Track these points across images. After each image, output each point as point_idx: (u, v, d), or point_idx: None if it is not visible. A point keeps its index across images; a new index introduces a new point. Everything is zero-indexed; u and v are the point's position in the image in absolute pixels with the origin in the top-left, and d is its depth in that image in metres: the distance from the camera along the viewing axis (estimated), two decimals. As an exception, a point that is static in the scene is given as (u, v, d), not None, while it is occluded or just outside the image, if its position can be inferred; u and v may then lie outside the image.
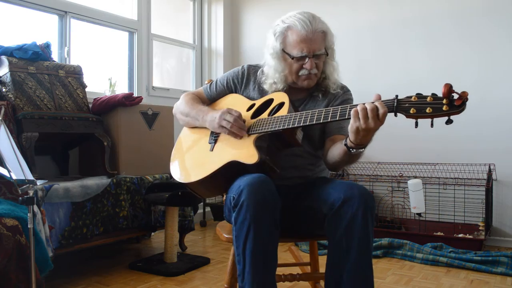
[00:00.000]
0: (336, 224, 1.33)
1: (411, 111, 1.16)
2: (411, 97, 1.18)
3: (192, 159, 1.62)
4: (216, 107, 1.72)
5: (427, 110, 1.14)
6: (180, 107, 1.74)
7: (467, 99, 1.10)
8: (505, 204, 3.08)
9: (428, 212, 3.13)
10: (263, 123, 1.43)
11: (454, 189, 3.08)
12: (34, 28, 2.89)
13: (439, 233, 3.00)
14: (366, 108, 1.21)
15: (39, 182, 1.65)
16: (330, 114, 1.29)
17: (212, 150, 1.54)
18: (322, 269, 1.88)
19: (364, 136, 1.25)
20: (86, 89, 2.70)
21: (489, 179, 2.96)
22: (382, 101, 1.21)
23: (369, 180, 3.36)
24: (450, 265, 2.55)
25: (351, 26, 3.61)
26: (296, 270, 2.27)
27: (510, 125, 3.03)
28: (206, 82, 1.84)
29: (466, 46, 3.18)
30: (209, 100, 1.77)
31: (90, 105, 2.70)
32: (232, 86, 1.72)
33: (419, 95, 1.17)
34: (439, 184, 3.14)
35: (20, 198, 1.40)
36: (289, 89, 1.62)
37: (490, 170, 3.01)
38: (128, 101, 2.65)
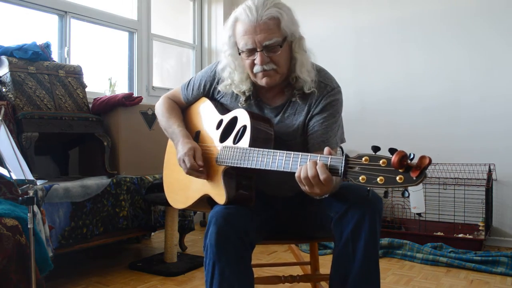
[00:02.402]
0: (343, 226, 1.31)
1: (360, 179, 1.00)
2: (362, 157, 1.01)
3: (175, 181, 1.63)
4: (189, 118, 1.65)
5: (379, 180, 0.98)
6: (159, 116, 1.66)
7: (426, 167, 0.93)
8: (505, 204, 3.08)
9: (428, 212, 3.13)
10: (228, 153, 1.34)
11: (454, 189, 3.08)
12: (34, 28, 2.88)
13: (439, 233, 2.99)
14: (307, 178, 1.10)
15: (39, 182, 1.65)
16: (291, 162, 1.16)
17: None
18: (322, 269, 1.88)
19: (318, 195, 1.17)
20: (86, 89, 2.70)
21: (489, 179, 2.96)
22: (331, 159, 1.08)
23: (369, 180, 3.35)
24: (450, 265, 2.55)
25: (350, 26, 3.61)
26: (296, 270, 2.27)
27: (510, 125, 3.03)
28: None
29: (465, 46, 3.18)
30: (186, 104, 1.68)
31: (90, 105, 2.70)
32: (208, 88, 1.59)
33: (371, 156, 1.00)
34: (439, 184, 3.14)
35: (20, 198, 1.40)
36: (265, 93, 1.49)
37: (490, 170, 3.01)
38: (128, 101, 2.65)
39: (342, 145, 1.56)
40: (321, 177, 1.07)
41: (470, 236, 2.91)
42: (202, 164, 1.39)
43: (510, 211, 3.07)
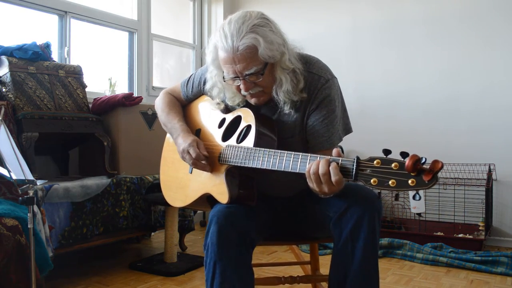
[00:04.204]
0: (342, 225, 1.31)
1: (372, 182, 1.01)
2: (373, 160, 1.02)
3: (174, 179, 1.63)
4: (189, 115, 1.65)
5: (391, 183, 0.99)
6: (158, 111, 1.66)
7: (438, 171, 0.94)
8: (505, 204, 3.08)
9: (428, 212, 3.13)
10: (232, 152, 1.34)
11: (454, 189, 3.08)
12: (34, 28, 2.88)
13: (439, 233, 2.99)
14: (317, 173, 1.10)
15: (39, 182, 1.65)
16: (299, 162, 1.16)
17: (191, 173, 1.52)
18: (322, 269, 1.88)
19: (325, 194, 1.16)
20: (86, 89, 2.70)
21: (489, 179, 2.96)
22: (342, 160, 1.09)
23: (369, 180, 3.35)
24: (450, 265, 2.55)
25: (350, 26, 3.61)
26: (296, 269, 2.28)
27: (510, 125, 3.03)
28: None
29: (466, 47, 3.18)
30: (186, 101, 1.67)
31: (90, 105, 2.70)
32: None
33: (383, 159, 1.01)
34: (439, 184, 3.14)
35: (20, 198, 1.40)
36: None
37: (490, 170, 3.01)
38: (128, 101, 2.65)
39: (342, 141, 1.52)
40: (333, 178, 1.08)
41: (470, 236, 2.91)
42: (207, 154, 1.39)
43: (510, 211, 3.07)
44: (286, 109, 1.37)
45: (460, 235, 2.94)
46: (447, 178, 3.12)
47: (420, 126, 3.31)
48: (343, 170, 1.08)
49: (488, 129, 3.10)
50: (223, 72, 1.36)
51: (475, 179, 3.05)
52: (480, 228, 2.96)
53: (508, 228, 3.07)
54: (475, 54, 3.15)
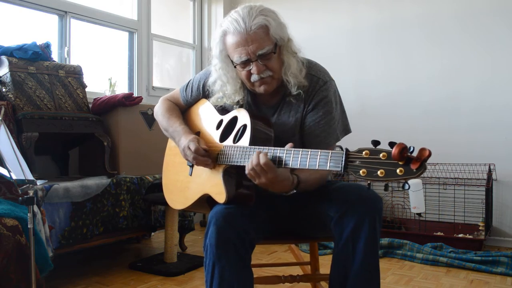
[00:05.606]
0: (343, 225, 1.31)
1: (361, 173, 1.01)
2: (362, 151, 1.02)
3: (174, 183, 1.64)
4: (189, 119, 1.66)
5: (379, 173, 0.98)
6: (159, 117, 1.68)
7: (426, 159, 0.94)
8: (505, 204, 3.08)
9: (428, 212, 3.13)
10: (228, 152, 1.35)
11: (454, 189, 3.08)
12: (34, 28, 2.88)
13: (439, 233, 3.00)
14: (252, 168, 1.19)
15: (39, 182, 1.65)
16: (291, 158, 1.18)
17: (191, 175, 1.53)
18: (322, 269, 1.88)
19: (273, 189, 1.24)
20: (86, 89, 2.70)
21: (489, 179, 2.96)
22: (332, 153, 1.08)
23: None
24: (450, 265, 2.55)
25: (351, 26, 3.61)
26: (296, 269, 2.27)
27: (510, 125, 3.03)
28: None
29: (466, 47, 3.18)
30: (185, 105, 1.69)
31: (90, 105, 2.70)
32: (206, 89, 1.59)
33: (372, 150, 1.01)
34: (439, 184, 3.14)
35: (20, 198, 1.40)
36: (260, 95, 1.47)
37: (490, 170, 3.01)
38: (128, 101, 2.65)
39: (342, 140, 1.54)
40: (261, 161, 1.16)
41: (470, 236, 2.91)
42: (206, 148, 1.40)
43: (510, 211, 3.07)
44: (294, 91, 1.41)
45: (460, 235, 2.94)
46: (447, 178, 3.13)
47: (420, 125, 3.31)
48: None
49: (488, 128, 3.09)
50: (232, 60, 1.38)
51: (475, 179, 3.05)
52: (480, 228, 2.96)
53: (508, 228, 3.07)
54: (474, 53, 3.15)
